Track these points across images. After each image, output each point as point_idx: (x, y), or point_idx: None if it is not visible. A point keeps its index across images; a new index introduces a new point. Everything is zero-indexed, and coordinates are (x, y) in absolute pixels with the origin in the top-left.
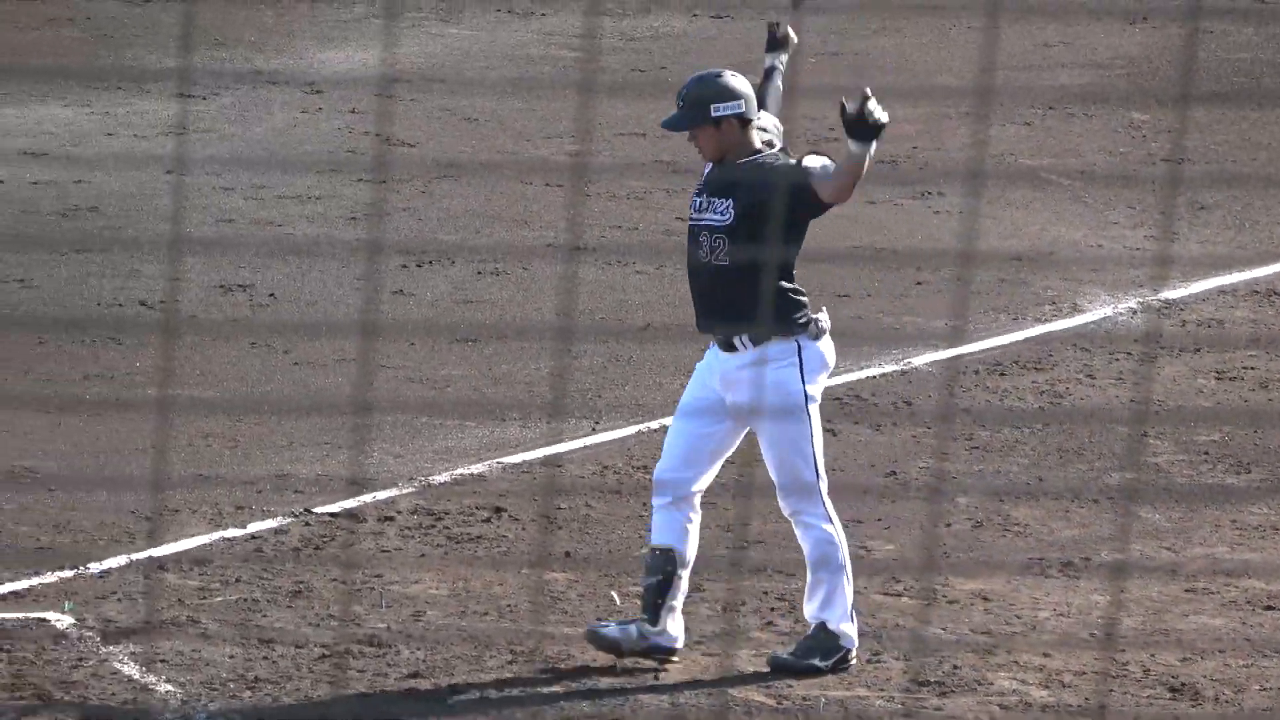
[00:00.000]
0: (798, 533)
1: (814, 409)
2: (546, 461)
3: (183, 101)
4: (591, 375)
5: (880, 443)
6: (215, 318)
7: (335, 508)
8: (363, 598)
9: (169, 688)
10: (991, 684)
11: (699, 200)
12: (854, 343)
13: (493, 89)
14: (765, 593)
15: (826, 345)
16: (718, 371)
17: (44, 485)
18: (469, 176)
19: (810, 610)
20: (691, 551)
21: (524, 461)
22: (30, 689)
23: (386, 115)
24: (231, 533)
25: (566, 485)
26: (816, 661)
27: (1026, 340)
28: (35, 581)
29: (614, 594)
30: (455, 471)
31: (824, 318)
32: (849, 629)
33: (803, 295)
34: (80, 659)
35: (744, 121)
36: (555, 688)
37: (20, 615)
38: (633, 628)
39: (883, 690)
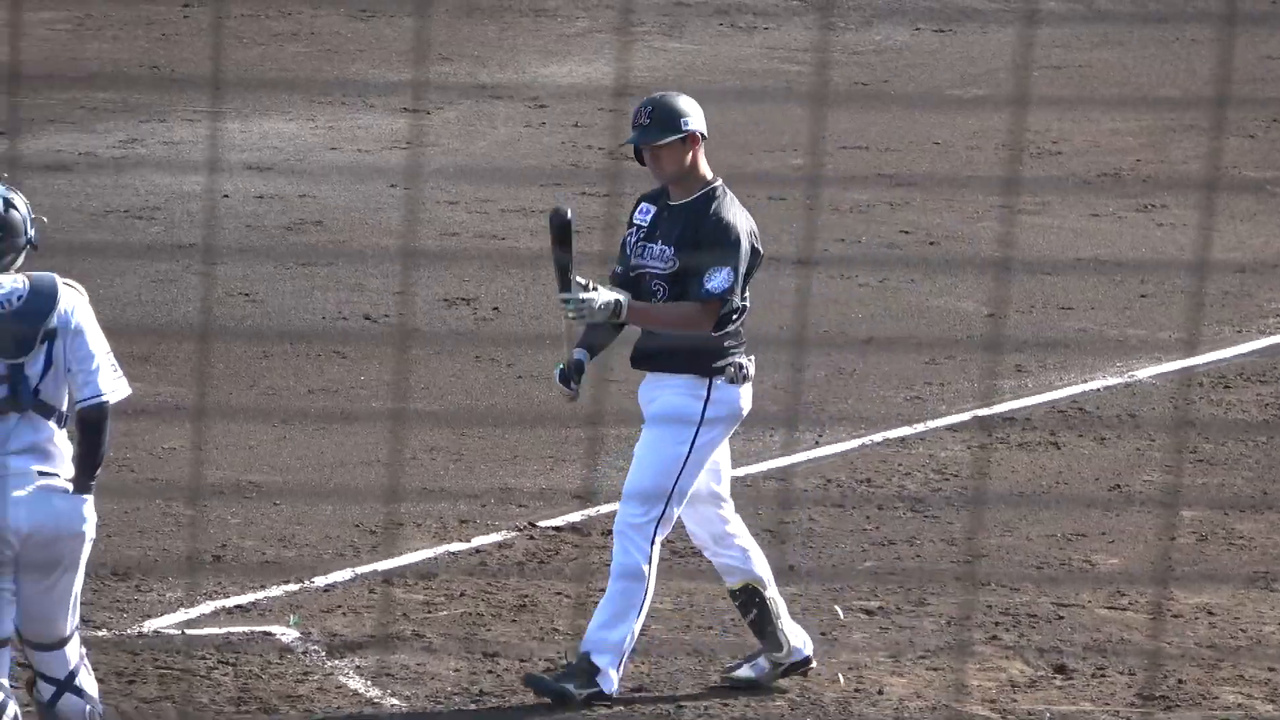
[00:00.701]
0: (614, 550)
1: (701, 443)
2: (770, 475)
3: (408, 116)
4: (815, 388)
5: (1104, 455)
6: (439, 331)
7: (559, 521)
8: (587, 611)
9: (394, 701)
10: (1217, 698)
11: (637, 241)
12: (1078, 355)
13: (716, 102)
14: (989, 606)
15: (745, 391)
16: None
17: (269, 499)
18: None
19: (587, 636)
20: (763, 569)
21: (748, 475)
22: (256, 702)
23: (610, 129)
24: (456, 546)
25: (790, 498)
26: (570, 687)
27: (1252, 353)
28: (261, 595)
29: (838, 608)
30: None
31: (749, 364)
32: (613, 674)
33: (733, 341)
34: (306, 673)
35: (700, 145)
36: (779, 702)
37: (246, 629)
38: (763, 661)
39: (1108, 704)
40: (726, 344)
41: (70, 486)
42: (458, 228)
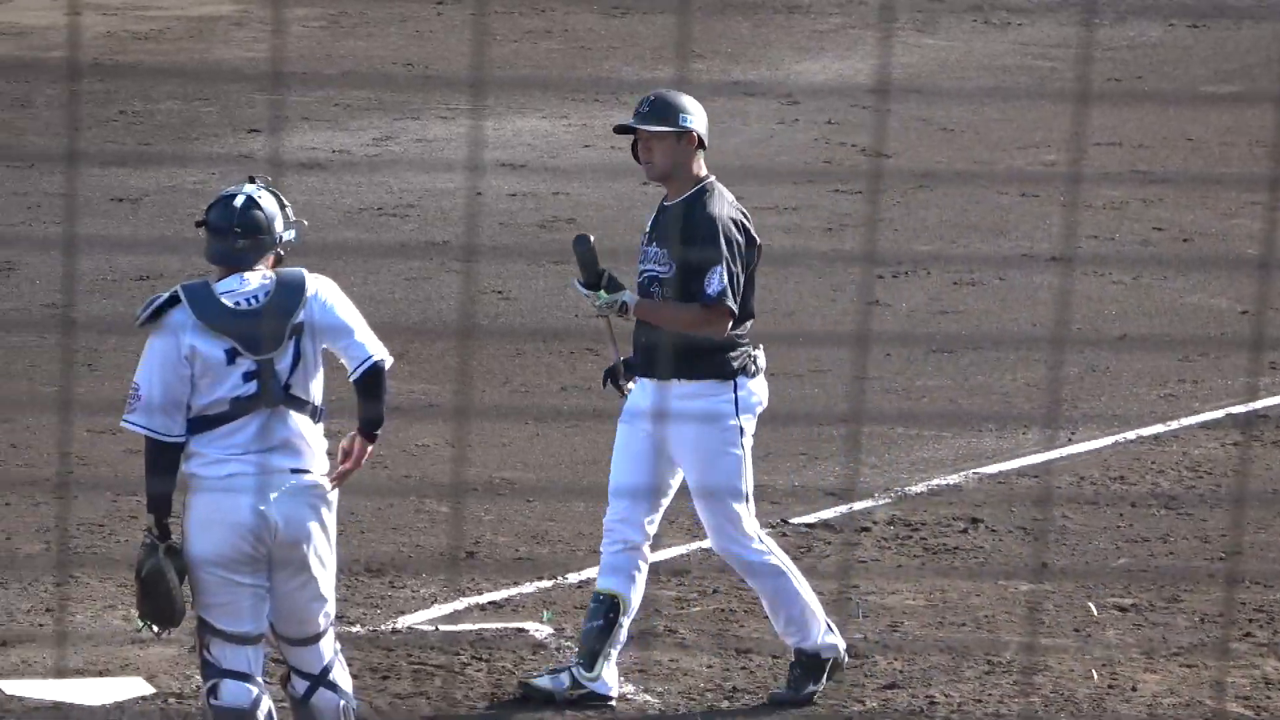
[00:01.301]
0: (735, 567)
1: (746, 442)
2: (1022, 472)
3: None
4: (1068, 385)
5: None
6: None
7: (812, 518)
8: (840, 608)
9: (647, 697)
10: None
11: (644, 245)
12: None
13: (969, 99)
14: (1243, 603)
15: (759, 384)
16: (647, 409)
17: (522, 496)
18: (945, 187)
19: (785, 638)
20: (637, 596)
21: (1000, 472)
22: (509, 698)
23: (863, 126)
24: (708, 543)
25: (1043, 496)
26: (812, 687)
27: None
28: (514, 592)
29: (1091, 605)
30: (931, 482)
31: (760, 356)
32: (831, 639)
33: (744, 336)
34: (559, 669)
35: (701, 144)
36: (1032, 699)
37: (499, 625)
38: (564, 677)
39: None
40: (740, 341)
41: (324, 482)
42: None
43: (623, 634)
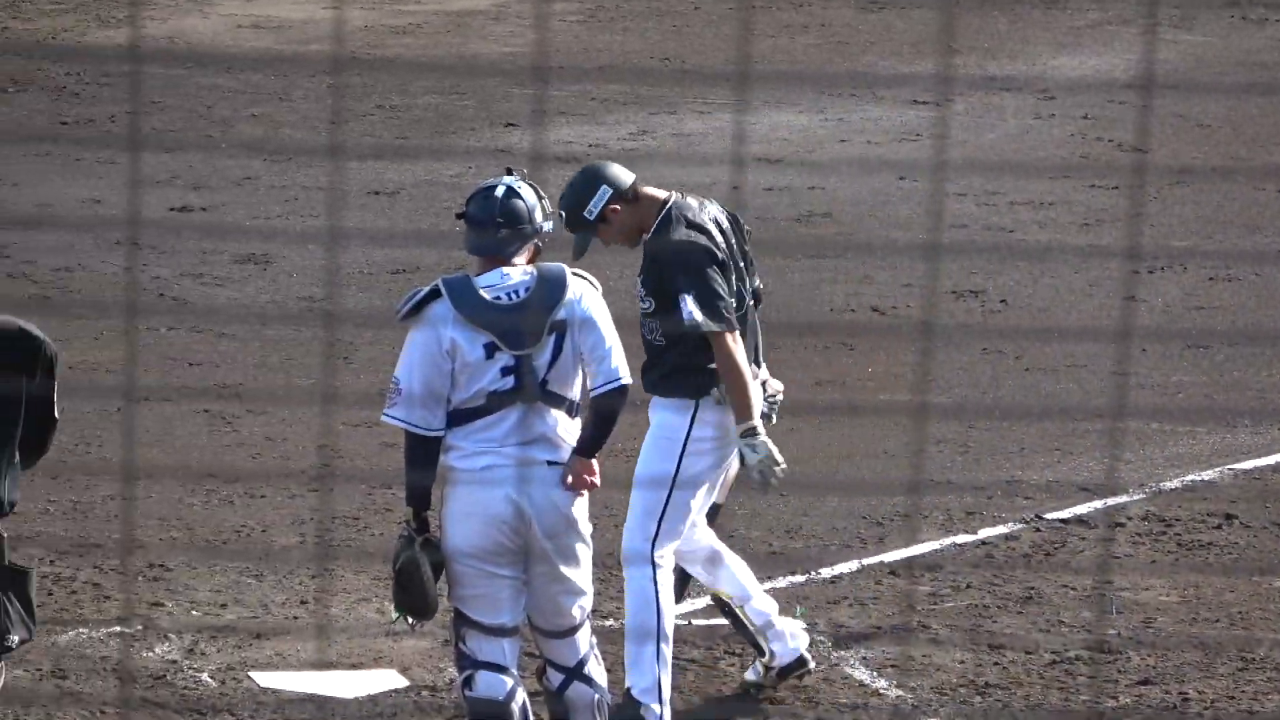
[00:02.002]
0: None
1: (688, 464)
2: (1278, 468)
3: (917, 108)
4: None
5: None
6: (947, 323)
7: (1065, 514)
8: (1093, 604)
9: (899, 693)
10: None
11: (636, 281)
12: None
13: (1227, 95)
14: None
15: (720, 414)
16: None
17: (776, 490)
18: (1201, 182)
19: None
20: (730, 583)
21: (1256, 468)
22: (762, 692)
23: (1119, 121)
24: (962, 538)
25: None
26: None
27: None
28: (767, 586)
29: None
30: (1186, 478)
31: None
32: (655, 706)
33: (711, 364)
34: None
35: (626, 199)
36: None
37: None
38: (758, 665)
39: None
40: (707, 366)
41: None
42: (966, 220)
43: (755, 614)
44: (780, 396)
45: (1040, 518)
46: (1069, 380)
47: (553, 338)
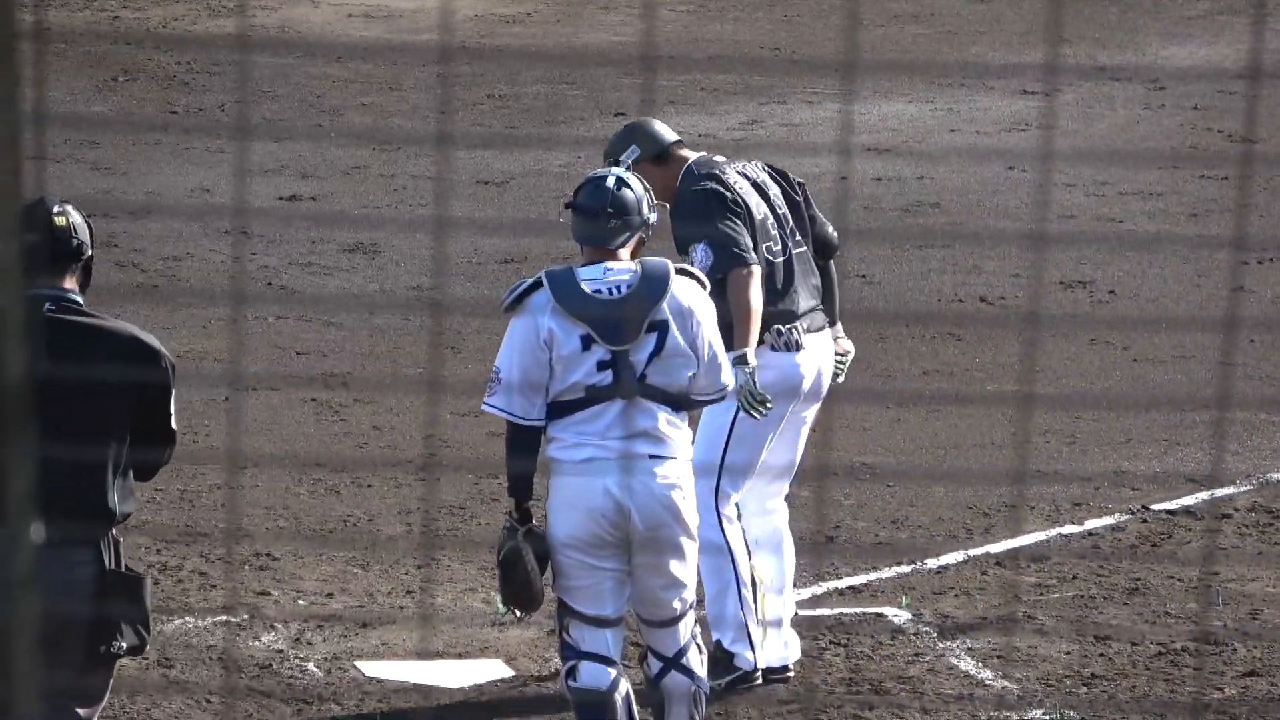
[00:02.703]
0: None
1: (745, 415)
2: None
3: (1026, 98)
4: None
5: None
6: (1055, 314)
7: (1172, 505)
8: (1199, 595)
9: (1005, 683)
10: None
11: None
12: None
13: None
14: None
15: (801, 359)
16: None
17: (882, 481)
18: None
19: (711, 628)
20: (773, 569)
21: None
22: (867, 684)
23: (1229, 111)
24: (1068, 529)
25: None
26: (711, 681)
27: None
28: (873, 577)
29: None
30: None
31: (797, 331)
32: (746, 652)
33: (771, 308)
34: (917, 654)
35: (655, 160)
36: None
37: (858, 610)
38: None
39: None
40: (766, 311)
41: (685, 469)
42: (1075, 210)
43: (771, 607)
44: (850, 357)
45: (1147, 508)
46: (1176, 371)
47: (653, 335)
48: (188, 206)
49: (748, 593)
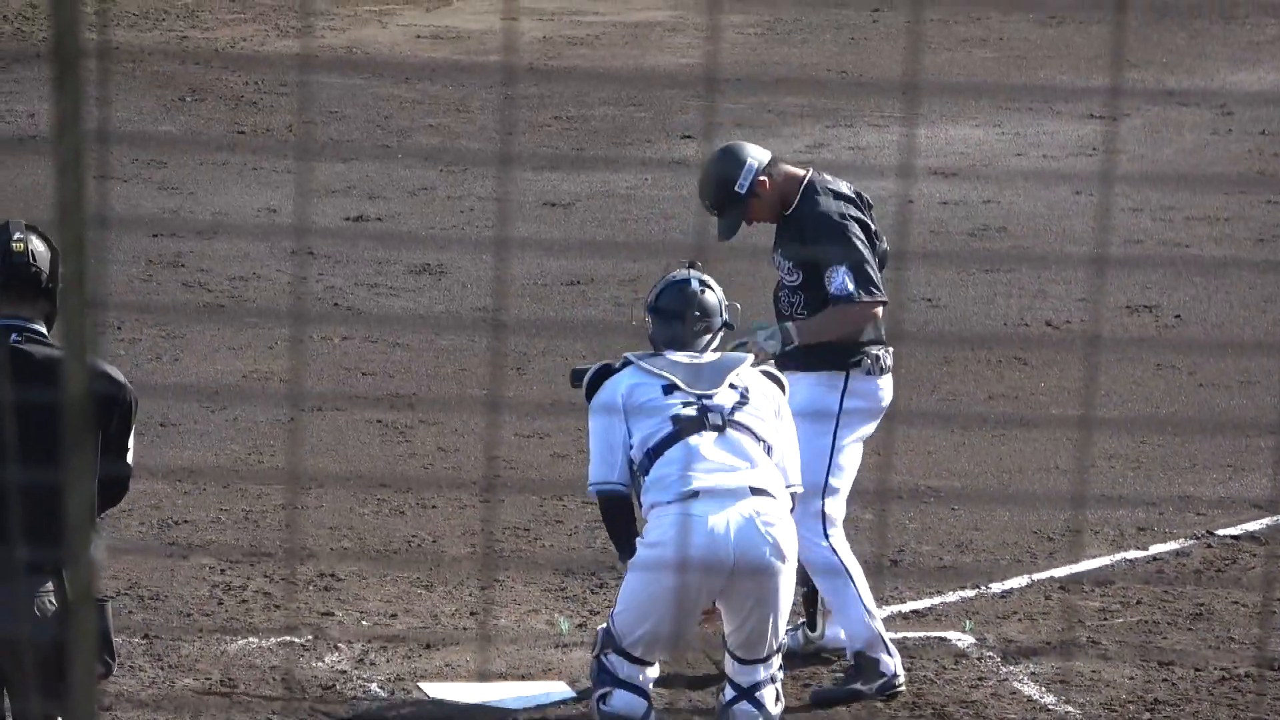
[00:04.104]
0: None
1: (844, 435)
2: None
3: (1094, 122)
4: None
5: None
6: (1121, 338)
7: (1237, 530)
8: (1264, 621)
9: (1069, 708)
10: None
11: (774, 256)
12: None
13: None
14: None
15: (877, 384)
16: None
17: (947, 504)
18: None
19: (844, 644)
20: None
21: None
22: (930, 708)
23: None
24: (1133, 554)
25: None
26: (860, 686)
27: None
28: (937, 600)
29: None
30: None
31: (886, 355)
32: (886, 659)
33: (864, 337)
34: (980, 678)
35: (771, 177)
36: None
37: (922, 634)
38: (799, 634)
39: None
40: (860, 337)
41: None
42: (1142, 234)
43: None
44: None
45: (1211, 534)
46: (1242, 396)
47: (736, 391)
48: (254, 227)
49: (872, 605)
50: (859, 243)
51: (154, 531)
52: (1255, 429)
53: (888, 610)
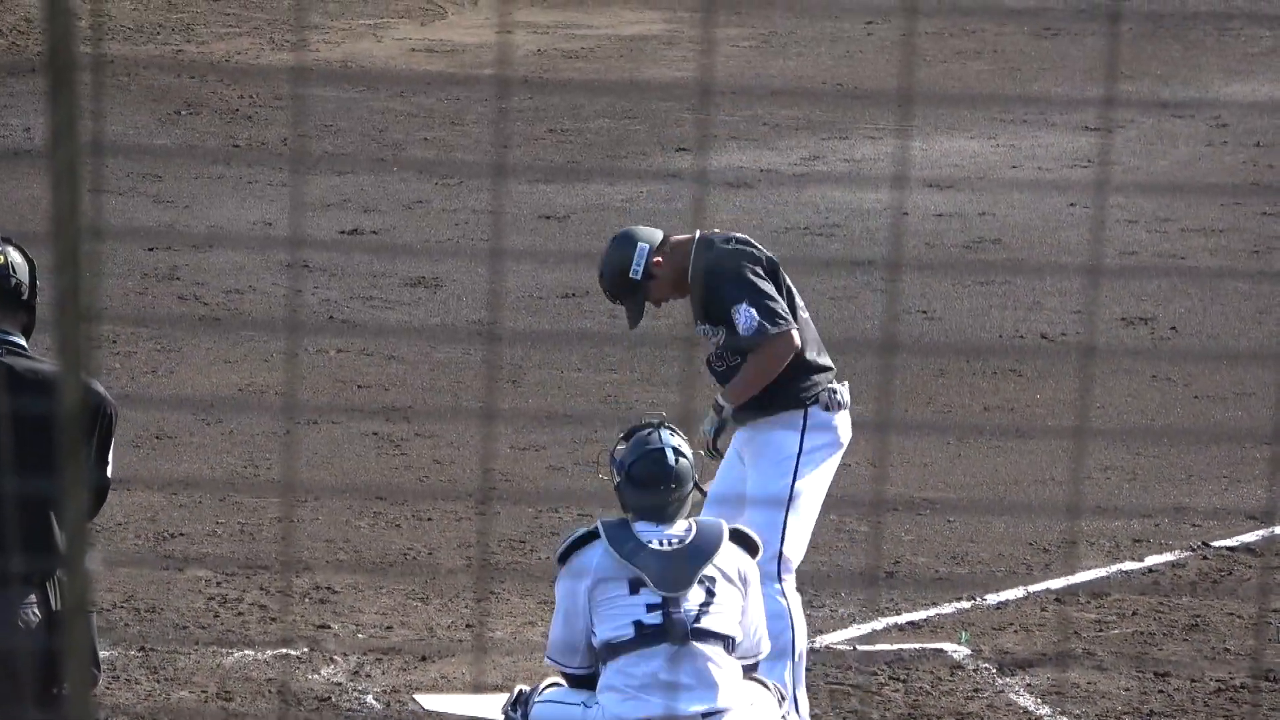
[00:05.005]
0: None
1: (803, 475)
2: None
3: (1089, 134)
4: None
5: None
6: (1117, 349)
7: (1233, 542)
8: (1260, 632)
9: (1064, 719)
10: None
11: (696, 329)
12: None
13: None
14: None
15: (840, 419)
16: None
17: (942, 515)
18: None
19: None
20: None
21: None
22: (926, 718)
23: None
24: (1128, 565)
25: None
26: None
27: None
28: (932, 612)
29: None
30: None
31: (842, 391)
32: (792, 715)
33: (814, 372)
34: (976, 690)
35: (663, 250)
36: None
37: (917, 645)
38: None
39: None
40: (807, 372)
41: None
42: (1137, 246)
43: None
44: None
45: (1207, 545)
46: (1237, 407)
47: (704, 588)
48: (250, 239)
49: (801, 664)
50: (756, 279)
51: (150, 544)
52: (1251, 440)
53: (883, 622)
